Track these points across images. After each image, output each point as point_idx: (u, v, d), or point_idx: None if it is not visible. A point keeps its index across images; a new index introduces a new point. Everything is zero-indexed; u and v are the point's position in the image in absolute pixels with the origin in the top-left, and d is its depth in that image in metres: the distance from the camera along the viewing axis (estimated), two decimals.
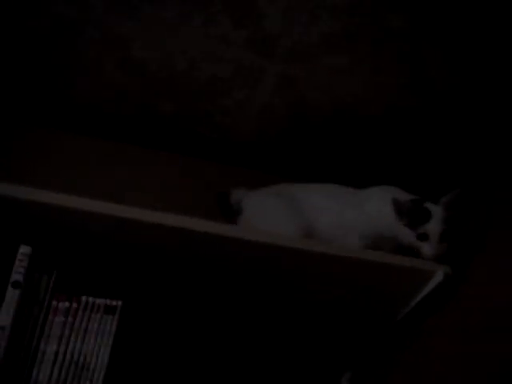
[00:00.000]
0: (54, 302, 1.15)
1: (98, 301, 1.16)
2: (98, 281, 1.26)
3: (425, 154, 1.70)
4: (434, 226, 1.32)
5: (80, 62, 1.49)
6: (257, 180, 1.73)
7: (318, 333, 1.45)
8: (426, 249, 1.31)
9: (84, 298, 1.17)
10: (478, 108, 1.56)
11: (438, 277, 1.29)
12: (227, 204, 1.51)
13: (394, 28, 1.39)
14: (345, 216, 1.43)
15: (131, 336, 1.33)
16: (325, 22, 1.38)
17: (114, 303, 1.16)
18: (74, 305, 1.16)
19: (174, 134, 1.69)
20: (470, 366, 1.13)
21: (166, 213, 1.21)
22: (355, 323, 1.42)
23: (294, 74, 1.49)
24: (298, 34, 1.40)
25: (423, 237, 1.32)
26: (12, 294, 1.12)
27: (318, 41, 1.42)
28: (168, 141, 1.72)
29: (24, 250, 1.15)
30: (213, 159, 1.76)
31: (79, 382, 1.10)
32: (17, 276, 1.13)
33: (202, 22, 1.37)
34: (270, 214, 1.44)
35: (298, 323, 1.44)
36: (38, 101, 1.63)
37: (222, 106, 1.58)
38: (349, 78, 1.50)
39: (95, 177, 1.62)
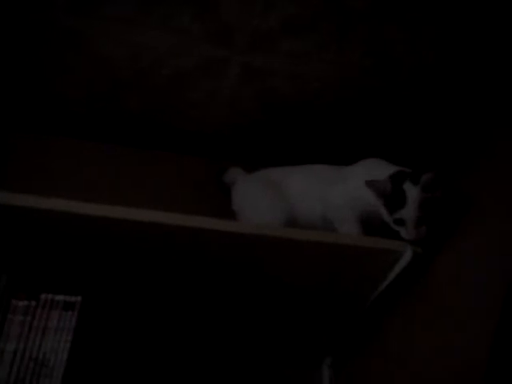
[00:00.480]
0: (14, 301, 1.16)
1: (57, 297, 1.16)
2: (58, 278, 1.26)
3: (396, 134, 1.67)
4: (409, 212, 1.25)
5: (52, 61, 1.49)
6: None
7: (295, 319, 1.44)
8: (403, 233, 1.27)
9: (43, 296, 1.17)
10: (445, 86, 1.53)
11: (407, 256, 1.25)
12: (221, 181, 1.57)
13: (356, 9, 1.36)
14: (329, 195, 1.41)
15: (92, 331, 1.33)
16: (283, 7, 1.36)
17: (73, 299, 1.16)
18: (33, 303, 1.16)
19: (146, 129, 1.68)
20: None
21: (125, 207, 1.20)
22: (331, 308, 1.41)
23: (257, 62, 1.48)
24: (256, 22, 1.39)
25: (399, 222, 1.27)
26: None
27: (278, 27, 1.40)
28: (140, 137, 1.71)
29: None
30: (188, 153, 1.76)
31: (38, 379, 1.10)
32: None
33: (161, 17, 1.37)
34: (256, 204, 1.45)
35: (275, 311, 1.43)
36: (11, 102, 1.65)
37: (189, 99, 1.57)
38: (314, 63, 1.48)
39: (58, 177, 1.62)
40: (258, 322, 1.45)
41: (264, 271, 1.31)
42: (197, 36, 1.41)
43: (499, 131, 1.30)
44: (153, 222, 1.19)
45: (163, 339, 1.47)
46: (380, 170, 1.34)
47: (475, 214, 1.23)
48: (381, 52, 1.45)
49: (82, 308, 1.16)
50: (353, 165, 1.45)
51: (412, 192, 1.26)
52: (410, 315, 1.27)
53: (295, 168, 1.52)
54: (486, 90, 1.52)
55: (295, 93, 1.55)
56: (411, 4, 1.35)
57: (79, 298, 1.17)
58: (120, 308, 1.38)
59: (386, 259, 1.28)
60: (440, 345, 1.11)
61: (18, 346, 1.13)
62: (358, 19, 1.38)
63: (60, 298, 1.17)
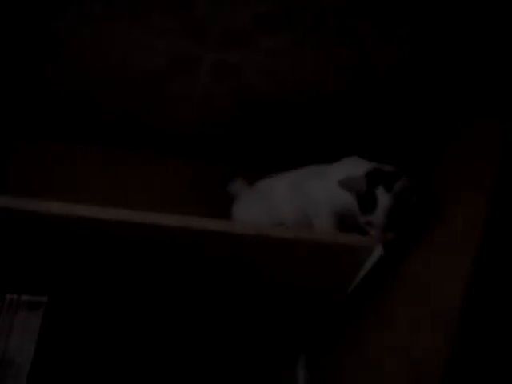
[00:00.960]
0: None
1: (23, 298, 1.15)
2: (24, 278, 1.25)
3: (373, 130, 1.67)
4: (378, 217, 1.24)
5: (33, 62, 1.49)
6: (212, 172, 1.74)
7: (268, 317, 1.43)
8: (372, 235, 1.27)
9: (8, 296, 1.16)
10: (420, 82, 1.52)
11: (377, 252, 1.24)
12: (225, 189, 1.59)
13: (328, 6, 1.36)
14: (309, 190, 1.41)
15: (57, 331, 1.32)
16: (256, 3, 1.35)
17: (39, 299, 1.15)
18: None
19: (122, 129, 1.68)
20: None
21: (102, 207, 1.20)
22: (305, 305, 1.40)
23: (232, 59, 1.47)
24: (230, 18, 1.38)
25: (369, 223, 1.27)
26: None
27: (252, 23, 1.39)
28: (117, 137, 1.70)
29: None
30: (168, 153, 1.75)
31: (3, 379, 1.09)
32: None
33: (131, 14, 1.36)
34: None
35: (247, 308, 1.41)
36: None
37: (164, 97, 1.57)
38: (289, 60, 1.47)
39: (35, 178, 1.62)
40: (231, 321, 1.44)
41: (236, 268, 1.30)
42: (169, 33, 1.40)
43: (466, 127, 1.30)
44: (135, 223, 1.19)
45: (132, 336, 1.46)
46: (359, 168, 1.33)
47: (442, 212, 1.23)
48: (355, 49, 1.45)
49: (48, 308, 1.15)
50: (334, 163, 1.44)
51: (383, 198, 1.25)
52: (382, 313, 1.26)
53: (282, 175, 1.51)
54: (459, 85, 1.51)
55: (272, 90, 1.55)
56: (384, 1, 1.34)
57: (45, 299, 1.16)
58: (87, 308, 1.38)
59: (358, 255, 1.27)
60: (407, 344, 1.10)
61: None
62: (330, 16, 1.37)
63: (25, 298, 1.16)
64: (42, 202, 1.16)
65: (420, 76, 1.51)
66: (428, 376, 0.97)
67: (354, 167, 1.33)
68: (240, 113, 1.61)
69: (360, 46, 1.44)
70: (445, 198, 1.25)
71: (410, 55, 1.47)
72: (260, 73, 1.50)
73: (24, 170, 1.63)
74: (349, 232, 1.30)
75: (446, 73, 1.50)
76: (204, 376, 1.48)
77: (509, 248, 1.01)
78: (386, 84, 1.53)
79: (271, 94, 1.56)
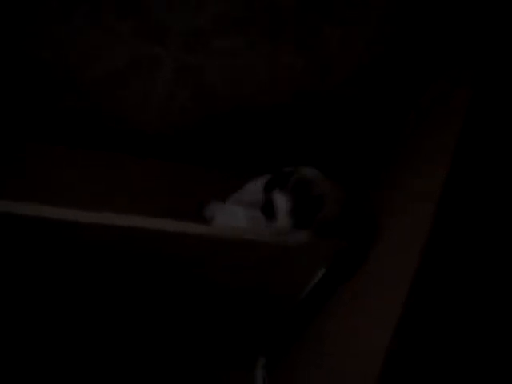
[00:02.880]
0: None
1: None
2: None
3: (331, 137, 1.67)
4: (282, 222, 1.21)
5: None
6: (179, 172, 1.73)
7: (226, 318, 1.42)
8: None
9: None
10: (380, 87, 1.53)
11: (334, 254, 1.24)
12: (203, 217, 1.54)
13: (287, 6, 1.36)
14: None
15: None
16: (212, 4, 1.35)
17: None
18: None
19: (87, 129, 1.66)
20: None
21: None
22: (262, 306, 1.39)
23: (191, 61, 1.47)
24: (186, 18, 1.38)
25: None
26: None
27: (210, 24, 1.39)
28: (79, 136, 1.68)
29: None
30: (136, 154, 1.74)
31: None
32: None
33: (86, 14, 1.36)
34: None
35: (204, 310, 1.41)
36: None
37: (125, 99, 1.56)
38: (246, 63, 1.47)
39: None
40: (187, 322, 1.43)
41: (191, 269, 1.30)
42: (127, 35, 1.40)
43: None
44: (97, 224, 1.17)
45: (87, 336, 1.45)
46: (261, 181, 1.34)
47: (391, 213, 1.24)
48: (313, 52, 1.45)
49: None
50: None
51: (280, 201, 1.21)
52: (338, 315, 1.26)
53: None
54: (418, 90, 1.52)
55: (230, 94, 1.54)
56: (344, 2, 1.35)
57: None
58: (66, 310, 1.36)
59: (314, 256, 1.27)
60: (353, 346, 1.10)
61: None
62: (289, 17, 1.38)
63: None
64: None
65: (381, 82, 1.52)
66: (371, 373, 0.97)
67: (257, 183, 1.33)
68: (201, 115, 1.61)
69: (319, 49, 1.45)
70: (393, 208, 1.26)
71: (369, 59, 1.48)
72: (218, 75, 1.50)
73: None
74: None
75: (402, 77, 1.51)
76: (163, 377, 1.47)
77: (453, 251, 1.02)
78: (344, 89, 1.54)
79: (228, 98, 1.56)
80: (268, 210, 1.22)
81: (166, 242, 1.22)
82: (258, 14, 1.37)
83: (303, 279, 1.31)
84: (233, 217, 1.43)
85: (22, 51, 1.44)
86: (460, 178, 1.08)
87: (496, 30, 1.29)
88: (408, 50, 1.45)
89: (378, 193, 1.46)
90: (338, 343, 1.17)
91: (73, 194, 1.61)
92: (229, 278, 1.31)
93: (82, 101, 1.57)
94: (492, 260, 1.05)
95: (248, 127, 1.64)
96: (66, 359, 1.44)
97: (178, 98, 1.56)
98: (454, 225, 1.05)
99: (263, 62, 1.47)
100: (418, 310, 0.97)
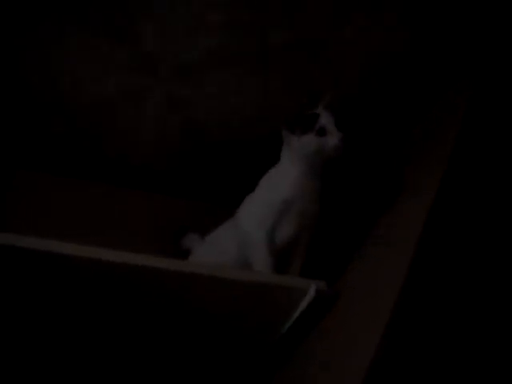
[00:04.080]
0: None
1: None
2: None
3: None
4: (325, 118, 1.34)
5: None
6: (163, 204, 1.73)
7: (203, 354, 1.40)
8: (332, 140, 1.32)
9: None
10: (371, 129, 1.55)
11: (311, 294, 1.24)
12: (179, 244, 1.57)
13: (275, 43, 1.38)
14: (240, 221, 1.40)
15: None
16: (203, 39, 1.37)
17: None
18: None
19: (74, 157, 1.66)
20: None
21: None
22: (238, 344, 1.37)
23: (180, 93, 1.48)
24: (178, 52, 1.39)
25: (322, 131, 1.33)
26: None
27: (200, 58, 1.41)
28: (68, 165, 1.68)
29: None
30: (119, 184, 1.72)
31: None
32: None
33: (79, 42, 1.37)
34: None
35: (183, 346, 1.39)
36: None
37: (112, 127, 1.56)
38: (234, 98, 1.49)
39: None
40: (165, 356, 1.41)
41: (173, 305, 1.29)
42: (117, 64, 1.41)
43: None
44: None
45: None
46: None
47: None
48: (303, 88, 1.47)
49: None
50: None
51: (318, 109, 1.36)
52: (312, 355, 1.26)
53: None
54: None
55: (218, 127, 1.55)
56: (334, 41, 1.37)
57: None
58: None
59: (290, 297, 1.26)
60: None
61: None
62: (278, 55, 1.39)
63: None
64: None
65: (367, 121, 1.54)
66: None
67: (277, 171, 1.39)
68: (188, 147, 1.61)
69: (308, 88, 1.46)
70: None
71: (359, 101, 1.49)
72: (206, 108, 1.51)
73: None
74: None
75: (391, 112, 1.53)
76: None
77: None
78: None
79: (216, 131, 1.57)
80: (309, 116, 1.35)
81: (144, 276, 1.21)
82: (247, 51, 1.39)
83: (282, 317, 1.30)
84: (209, 253, 1.43)
85: (11, 75, 1.44)
86: (453, 192, 1.11)
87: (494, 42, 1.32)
88: (402, 82, 1.46)
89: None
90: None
91: (54, 223, 1.60)
92: (207, 312, 1.30)
93: (69, 127, 1.57)
94: (483, 266, 1.07)
95: (235, 160, 1.64)
96: None
97: (166, 128, 1.56)
98: (446, 230, 1.08)
99: (252, 96, 1.49)
100: (407, 316, 0.99)
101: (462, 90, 1.30)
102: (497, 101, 1.20)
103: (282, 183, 1.35)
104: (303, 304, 1.26)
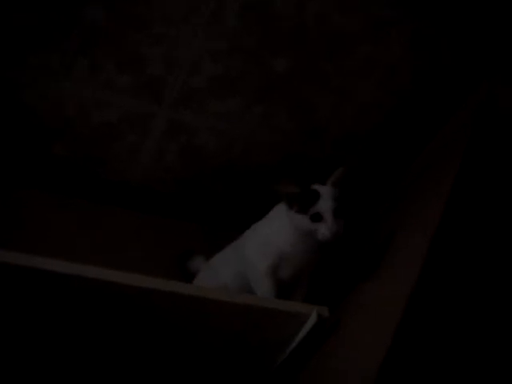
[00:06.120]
0: None
1: None
2: None
3: None
4: (324, 203, 1.27)
5: None
6: (162, 226, 1.73)
7: (199, 380, 1.40)
8: (323, 229, 1.26)
9: None
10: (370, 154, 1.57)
11: (313, 319, 1.25)
12: (185, 267, 1.56)
13: (278, 71, 1.40)
14: (245, 250, 1.40)
15: None
16: (208, 66, 1.39)
17: None
18: None
19: (76, 179, 1.66)
20: None
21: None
22: (232, 372, 1.37)
23: (184, 119, 1.50)
24: (182, 79, 1.42)
25: (317, 217, 1.27)
26: None
27: (204, 85, 1.43)
28: (69, 186, 1.68)
29: None
30: (119, 205, 1.72)
31: None
32: None
33: (85, 68, 1.39)
34: None
35: (184, 369, 1.39)
36: None
37: (114, 151, 1.58)
38: (238, 124, 1.51)
39: None
40: (164, 377, 1.41)
41: (175, 328, 1.29)
42: (121, 88, 1.43)
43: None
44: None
45: None
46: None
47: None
48: (305, 116, 1.49)
49: None
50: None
51: (323, 188, 1.30)
52: (313, 381, 1.26)
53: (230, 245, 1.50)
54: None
55: (219, 153, 1.57)
56: (337, 69, 1.39)
57: None
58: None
59: (292, 322, 1.26)
60: None
61: None
62: (280, 82, 1.42)
63: None
64: None
65: (371, 148, 1.56)
66: None
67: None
68: (187, 171, 1.62)
69: (309, 114, 1.49)
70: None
71: (360, 127, 1.52)
72: (209, 134, 1.53)
73: None
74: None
75: (395, 141, 1.55)
76: None
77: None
78: (334, 155, 1.57)
79: (218, 157, 1.58)
80: (309, 196, 1.29)
81: (146, 298, 1.22)
82: (249, 78, 1.41)
83: (283, 342, 1.31)
84: (211, 277, 1.44)
85: (17, 100, 1.46)
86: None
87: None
88: (405, 111, 1.48)
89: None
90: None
91: (55, 241, 1.60)
92: (208, 335, 1.31)
93: (72, 149, 1.58)
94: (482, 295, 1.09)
95: (235, 185, 1.65)
96: None
97: (168, 153, 1.58)
98: (447, 261, 1.10)
99: (254, 124, 1.51)
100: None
101: (463, 125, 1.33)
102: (496, 140, 1.22)
103: (281, 235, 1.34)
104: (305, 329, 1.27)
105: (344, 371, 1.14)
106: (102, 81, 1.42)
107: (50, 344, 1.31)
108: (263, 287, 1.34)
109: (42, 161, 1.61)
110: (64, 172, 1.64)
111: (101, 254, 1.58)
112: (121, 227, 1.68)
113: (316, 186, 1.31)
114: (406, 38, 1.34)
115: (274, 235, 1.35)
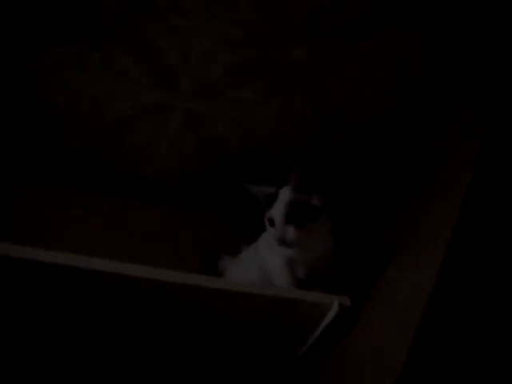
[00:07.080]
0: None
1: None
2: None
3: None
4: (276, 208, 1.27)
5: None
6: (183, 219, 1.73)
7: (227, 370, 1.40)
8: (275, 235, 1.26)
9: None
10: (385, 140, 1.55)
11: (335, 309, 1.24)
12: (215, 267, 1.55)
13: (294, 59, 1.39)
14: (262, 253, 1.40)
15: None
16: (224, 56, 1.38)
17: None
18: None
19: (93, 173, 1.66)
20: None
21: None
22: (255, 362, 1.37)
23: (201, 109, 1.49)
24: (198, 69, 1.41)
25: (271, 222, 1.28)
26: None
27: (220, 75, 1.42)
28: (86, 180, 1.68)
29: None
30: (136, 198, 1.72)
31: None
32: None
33: (100, 61, 1.38)
34: None
35: (207, 361, 1.39)
36: None
37: (131, 143, 1.57)
38: (256, 113, 1.49)
39: None
40: (188, 374, 1.41)
41: (198, 321, 1.29)
42: (139, 81, 1.42)
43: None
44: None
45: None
46: None
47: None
48: (321, 103, 1.48)
49: None
50: None
51: (284, 192, 1.29)
52: (335, 371, 1.26)
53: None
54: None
55: (238, 142, 1.56)
56: (353, 57, 1.37)
57: None
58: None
59: (314, 312, 1.26)
60: None
61: None
62: (296, 70, 1.40)
63: None
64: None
65: (387, 134, 1.54)
66: None
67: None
68: (205, 162, 1.61)
69: (326, 101, 1.47)
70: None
71: (376, 113, 1.50)
72: (227, 124, 1.52)
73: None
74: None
75: (410, 128, 1.53)
76: None
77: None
78: (351, 140, 1.55)
79: (236, 146, 1.57)
80: (271, 201, 1.29)
81: (170, 292, 1.21)
82: (266, 67, 1.39)
83: (303, 334, 1.30)
84: (239, 272, 1.44)
85: (34, 94, 1.45)
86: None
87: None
88: (420, 99, 1.46)
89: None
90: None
91: (73, 236, 1.60)
92: (232, 328, 1.30)
93: (88, 143, 1.58)
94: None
95: (255, 175, 1.64)
96: None
97: (186, 144, 1.57)
98: (470, 249, 1.08)
99: (270, 112, 1.49)
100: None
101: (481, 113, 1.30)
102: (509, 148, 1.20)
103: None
104: (327, 319, 1.26)
105: (369, 361, 1.13)
106: (117, 73, 1.41)
107: (58, 338, 1.31)
108: (282, 283, 1.33)
109: (57, 155, 1.61)
110: (79, 166, 1.64)
111: (116, 245, 1.58)
112: (138, 220, 1.69)
113: (282, 189, 1.31)
114: (422, 23, 1.31)
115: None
